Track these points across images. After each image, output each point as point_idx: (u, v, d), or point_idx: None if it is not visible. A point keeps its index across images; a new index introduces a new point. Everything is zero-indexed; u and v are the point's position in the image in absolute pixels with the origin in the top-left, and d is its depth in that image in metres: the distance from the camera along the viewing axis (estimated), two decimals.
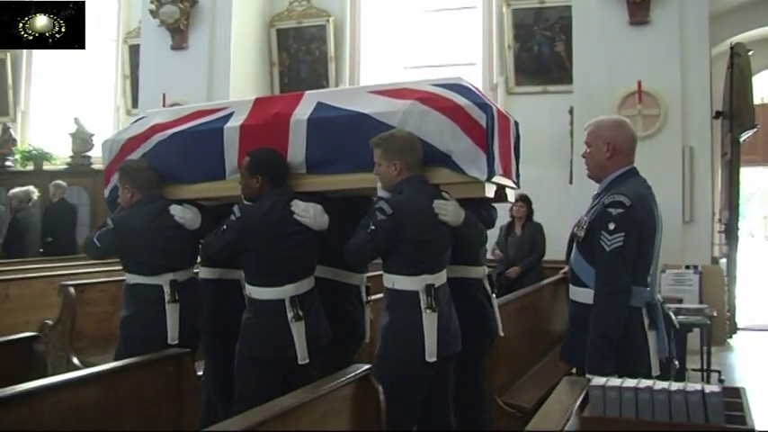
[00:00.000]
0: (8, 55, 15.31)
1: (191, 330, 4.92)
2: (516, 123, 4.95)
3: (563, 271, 8.50)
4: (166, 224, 4.92)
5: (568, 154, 10.20)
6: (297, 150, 4.60)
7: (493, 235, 8.33)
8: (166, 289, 4.86)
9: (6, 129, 14.70)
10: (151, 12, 11.90)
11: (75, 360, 6.19)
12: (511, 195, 5.01)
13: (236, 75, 11.71)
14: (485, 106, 4.25)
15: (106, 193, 5.42)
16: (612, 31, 9.57)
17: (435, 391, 4.24)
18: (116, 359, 4.65)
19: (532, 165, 10.94)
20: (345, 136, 4.46)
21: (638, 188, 3.91)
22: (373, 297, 4.95)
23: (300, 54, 12.46)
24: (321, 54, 12.37)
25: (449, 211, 4.18)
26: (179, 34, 11.73)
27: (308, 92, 4.90)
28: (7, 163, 14.40)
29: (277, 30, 12.57)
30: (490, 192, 4.42)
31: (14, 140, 14.65)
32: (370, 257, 4.34)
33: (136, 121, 5.56)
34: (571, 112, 10.19)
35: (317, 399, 3.44)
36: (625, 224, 3.73)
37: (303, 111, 4.65)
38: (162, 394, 4.26)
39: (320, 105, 4.65)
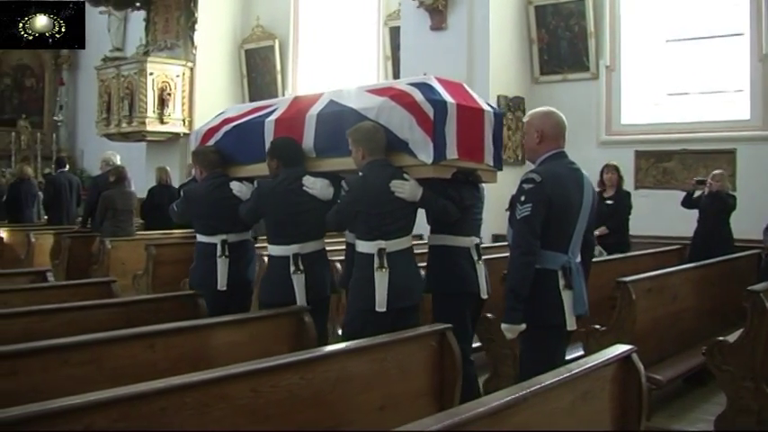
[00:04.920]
0: (276, 41, 16.09)
1: (238, 281, 6.17)
2: (498, 115, 5.69)
3: None
4: (223, 196, 6.14)
5: None
6: (309, 139, 5.70)
7: None
8: (219, 247, 6.12)
9: None
10: None
11: (340, 331, 6.45)
12: (489, 176, 5.68)
13: (495, 53, 11.71)
14: (434, 101, 5.09)
15: (193, 172, 6.76)
16: None
17: None
18: None
19: None
20: (341, 127, 5.39)
21: (555, 168, 4.51)
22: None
23: (559, 30, 12.26)
24: (580, 30, 12.12)
25: (405, 189, 5.07)
26: (438, 15, 11.85)
27: (327, 91, 5.98)
28: None
29: (535, 6, 12.43)
30: (445, 173, 5.24)
31: None
32: (340, 224, 5.49)
33: (217, 116, 6.72)
34: None
35: (579, 378, 3.41)
36: (533, 197, 4.36)
37: (317, 107, 5.75)
38: (424, 367, 4.36)
39: (330, 102, 5.73)
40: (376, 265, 5.04)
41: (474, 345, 5.89)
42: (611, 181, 9.34)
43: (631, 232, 9.43)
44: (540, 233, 4.37)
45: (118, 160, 11.56)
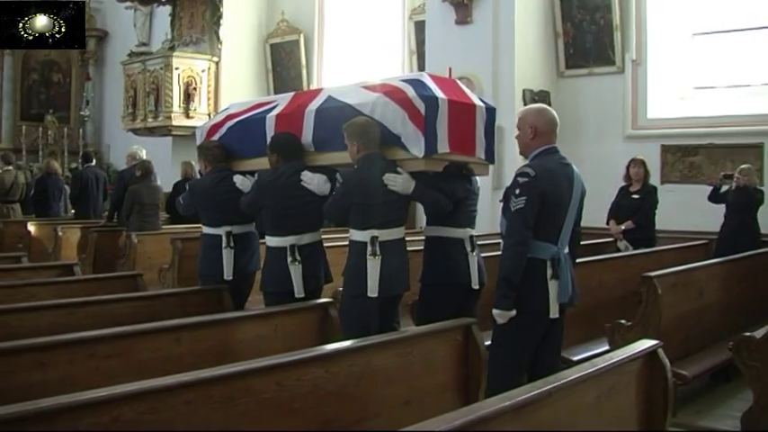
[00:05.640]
0: (301, 36, 16.11)
1: (243, 271, 6.42)
2: (491, 110, 5.82)
3: None
4: (227, 189, 6.32)
5: None
6: (308, 133, 5.89)
7: None
8: (224, 238, 6.32)
9: None
10: None
11: None
12: (481, 169, 5.87)
13: (520, 47, 11.66)
14: (426, 98, 5.30)
15: (199, 166, 6.93)
16: None
17: (383, 322, 5.37)
18: None
19: None
20: (338, 122, 5.57)
21: (547, 163, 4.68)
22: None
23: (585, 24, 12.18)
24: (606, 23, 12.03)
25: (397, 182, 5.31)
26: (463, 9, 11.81)
27: (325, 87, 6.28)
28: None
29: (561, 0, 12.39)
30: (437, 167, 5.44)
31: None
32: (337, 215, 5.71)
33: (220, 112, 7.13)
34: None
35: (605, 373, 3.40)
36: (527, 190, 4.53)
37: (315, 103, 5.95)
38: (449, 362, 4.38)
39: (329, 98, 5.92)
40: (369, 253, 5.27)
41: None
42: (637, 175, 9.29)
43: (657, 227, 9.38)
44: (533, 224, 4.56)
45: (144, 155, 11.62)
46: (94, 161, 15.02)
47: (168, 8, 17.11)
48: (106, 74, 21.03)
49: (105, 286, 6.24)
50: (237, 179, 6.33)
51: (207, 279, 6.41)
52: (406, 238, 5.64)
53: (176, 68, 15.66)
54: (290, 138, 5.92)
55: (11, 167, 14.27)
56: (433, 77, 5.74)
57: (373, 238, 5.28)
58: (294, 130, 5.95)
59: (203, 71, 16.01)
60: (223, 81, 16.15)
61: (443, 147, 5.38)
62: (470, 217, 5.80)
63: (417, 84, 5.48)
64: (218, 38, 16.17)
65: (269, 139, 6.06)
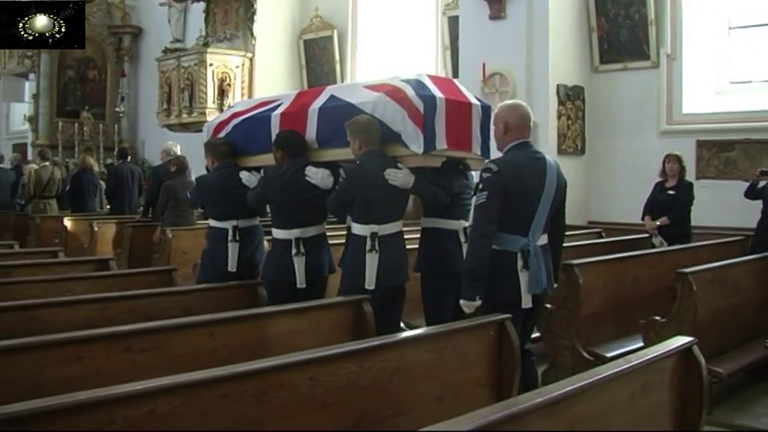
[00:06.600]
0: (335, 32, 16.12)
1: (247, 263, 6.65)
2: (486, 107, 6.05)
3: None
4: (233, 184, 6.57)
5: None
6: (311, 131, 6.12)
7: None
8: (230, 231, 6.59)
9: None
10: None
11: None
12: (477, 164, 5.93)
13: (554, 42, 11.58)
14: (425, 97, 5.53)
15: (206, 162, 7.08)
16: None
17: (383, 312, 5.43)
18: (197, 282, 6.83)
19: None
20: (341, 120, 5.78)
21: (515, 158, 4.91)
22: None
23: (619, 19, 12.05)
24: (641, 17, 11.91)
25: (398, 177, 5.50)
26: (497, 4, 11.74)
27: (328, 87, 6.57)
28: None
29: None
30: (435, 162, 5.65)
31: None
32: (340, 207, 5.87)
33: (226, 110, 7.27)
34: None
35: (639, 370, 3.39)
36: (489, 185, 4.77)
37: (318, 102, 6.17)
38: (483, 358, 4.36)
39: (331, 97, 6.16)
40: (368, 248, 5.51)
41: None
42: (672, 171, 9.21)
43: (693, 223, 9.30)
44: (498, 218, 4.78)
45: (178, 150, 11.70)
46: (130, 157, 15.16)
47: (202, 4, 17.21)
48: (141, 70, 21.15)
49: (140, 281, 6.29)
50: (244, 175, 6.57)
51: (213, 270, 6.65)
52: (413, 230, 5.85)
53: (210, 64, 15.73)
54: (295, 135, 6.14)
55: (47, 163, 14.41)
56: (432, 77, 5.99)
57: (373, 234, 5.52)
58: (298, 127, 6.16)
59: (237, 67, 16.08)
60: (257, 77, 16.21)
61: (441, 143, 5.62)
62: (465, 209, 6.05)
63: (417, 83, 5.70)
64: (252, 34, 16.25)
65: (274, 137, 6.28)
